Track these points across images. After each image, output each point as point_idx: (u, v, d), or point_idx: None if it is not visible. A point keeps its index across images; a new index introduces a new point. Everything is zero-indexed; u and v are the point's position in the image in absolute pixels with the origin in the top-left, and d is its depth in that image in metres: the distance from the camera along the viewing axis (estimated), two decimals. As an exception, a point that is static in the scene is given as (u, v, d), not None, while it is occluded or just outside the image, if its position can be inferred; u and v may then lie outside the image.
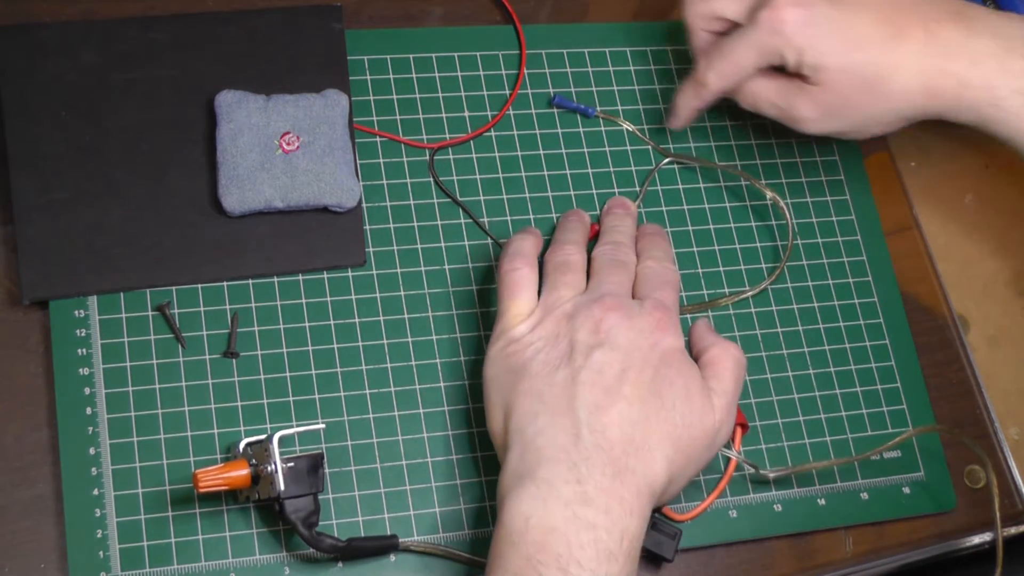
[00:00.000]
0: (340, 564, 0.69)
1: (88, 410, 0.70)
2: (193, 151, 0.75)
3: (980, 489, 0.80)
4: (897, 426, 0.80)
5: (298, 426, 0.70)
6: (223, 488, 0.65)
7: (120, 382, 0.70)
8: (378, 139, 0.79)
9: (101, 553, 0.67)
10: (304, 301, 0.75)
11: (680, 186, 0.83)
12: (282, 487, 0.65)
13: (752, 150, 0.85)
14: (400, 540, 0.69)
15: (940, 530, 0.79)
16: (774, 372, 0.79)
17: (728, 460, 0.73)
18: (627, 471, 0.64)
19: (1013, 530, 0.79)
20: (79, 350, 0.71)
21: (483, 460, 0.73)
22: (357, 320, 0.75)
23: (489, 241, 0.78)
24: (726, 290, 0.81)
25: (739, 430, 0.73)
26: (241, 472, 0.65)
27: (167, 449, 0.70)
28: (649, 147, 0.84)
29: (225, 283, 0.74)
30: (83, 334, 0.71)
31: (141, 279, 0.73)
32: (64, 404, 0.70)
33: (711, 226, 0.82)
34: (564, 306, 0.70)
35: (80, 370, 0.70)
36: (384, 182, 0.79)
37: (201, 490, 0.64)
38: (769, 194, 0.82)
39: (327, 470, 0.70)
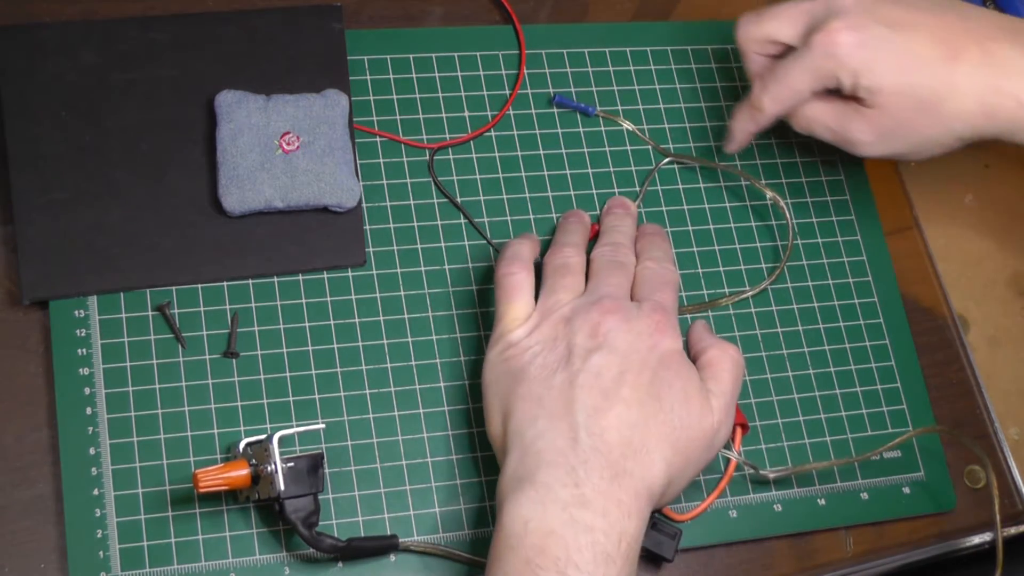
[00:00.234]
0: (340, 564, 0.69)
1: (88, 410, 0.70)
2: (193, 151, 0.75)
3: (980, 489, 0.80)
4: (897, 426, 0.80)
5: (298, 426, 0.70)
6: (223, 488, 0.65)
7: (120, 382, 0.70)
8: (378, 139, 0.79)
9: (101, 553, 0.67)
10: (304, 301, 0.75)
11: (680, 186, 0.83)
12: (282, 487, 0.65)
13: (752, 150, 0.85)
14: (400, 540, 0.69)
15: (940, 530, 0.79)
16: (774, 372, 0.79)
17: (728, 461, 0.73)
18: (625, 474, 0.64)
19: (1013, 530, 0.79)
20: (79, 350, 0.71)
21: (483, 460, 0.73)
22: (357, 320, 0.75)
23: (488, 235, 0.78)
24: (726, 290, 0.81)
25: (739, 430, 0.73)
26: (241, 472, 0.65)
27: (167, 449, 0.70)
28: (649, 147, 0.84)
29: (225, 283, 0.74)
30: (83, 334, 0.71)
31: (141, 279, 0.73)
32: (64, 404, 0.70)
33: (711, 226, 0.82)
34: (562, 309, 0.70)
35: (80, 370, 0.70)
36: (384, 182, 0.79)
37: (201, 490, 0.64)
38: (769, 194, 0.82)
39: (327, 470, 0.70)
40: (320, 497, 0.67)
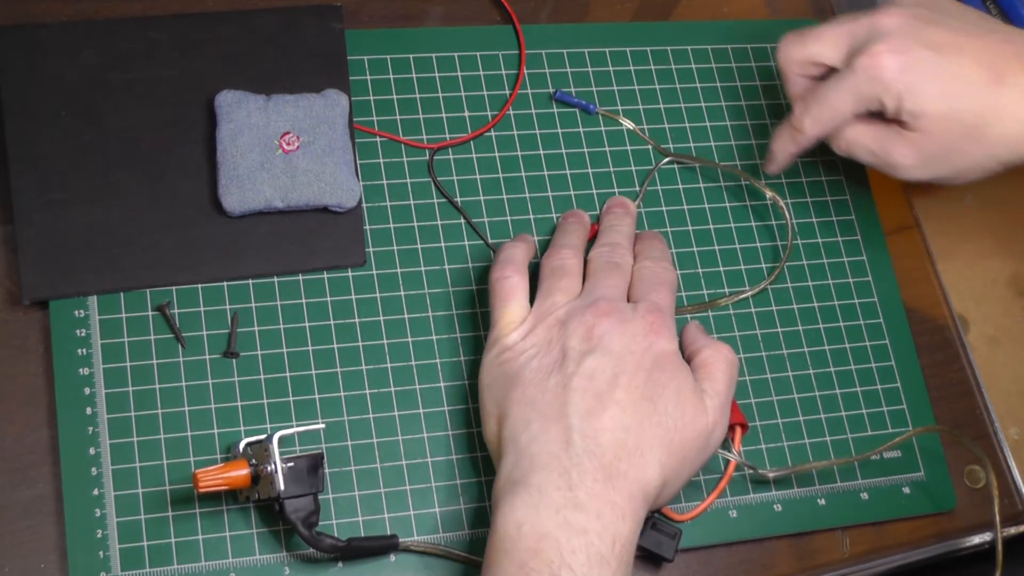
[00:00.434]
0: (340, 564, 0.69)
1: (88, 410, 0.70)
2: (193, 151, 0.75)
3: (980, 489, 0.80)
4: (897, 426, 0.80)
5: (298, 426, 0.70)
6: (223, 488, 0.65)
7: (120, 382, 0.70)
8: (378, 139, 0.79)
9: (101, 553, 0.67)
10: (304, 301, 0.75)
11: (680, 186, 0.83)
12: (282, 487, 0.65)
13: (752, 150, 0.85)
14: (400, 540, 0.69)
15: (940, 530, 0.79)
16: (774, 372, 0.79)
17: (727, 461, 0.73)
18: (619, 476, 0.64)
19: (1013, 530, 0.79)
20: (79, 350, 0.71)
21: (483, 460, 0.73)
22: (357, 320, 0.75)
23: (489, 238, 0.78)
24: (726, 290, 0.81)
25: (739, 430, 0.73)
26: (241, 472, 0.65)
27: (167, 449, 0.70)
28: (649, 147, 0.84)
29: (225, 283, 0.74)
30: (83, 334, 0.71)
31: (141, 279, 0.73)
32: (64, 404, 0.70)
33: (711, 226, 0.82)
34: (557, 312, 0.70)
35: (80, 370, 0.70)
36: (384, 182, 0.79)
37: (201, 490, 0.64)
38: (769, 193, 0.82)
39: (327, 470, 0.70)
40: (320, 497, 0.67)
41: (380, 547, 0.69)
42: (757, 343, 0.79)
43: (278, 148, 0.75)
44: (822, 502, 0.76)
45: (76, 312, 0.71)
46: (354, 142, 0.77)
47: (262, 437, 0.67)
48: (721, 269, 0.81)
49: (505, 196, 0.80)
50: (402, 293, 0.76)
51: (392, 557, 0.70)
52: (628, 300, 0.71)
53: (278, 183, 0.74)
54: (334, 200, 0.75)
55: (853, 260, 0.83)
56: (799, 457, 0.77)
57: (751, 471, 0.75)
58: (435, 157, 0.80)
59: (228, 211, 0.74)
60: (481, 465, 0.73)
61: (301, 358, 0.73)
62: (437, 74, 0.82)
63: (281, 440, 0.66)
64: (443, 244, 0.78)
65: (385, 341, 0.75)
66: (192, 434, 0.70)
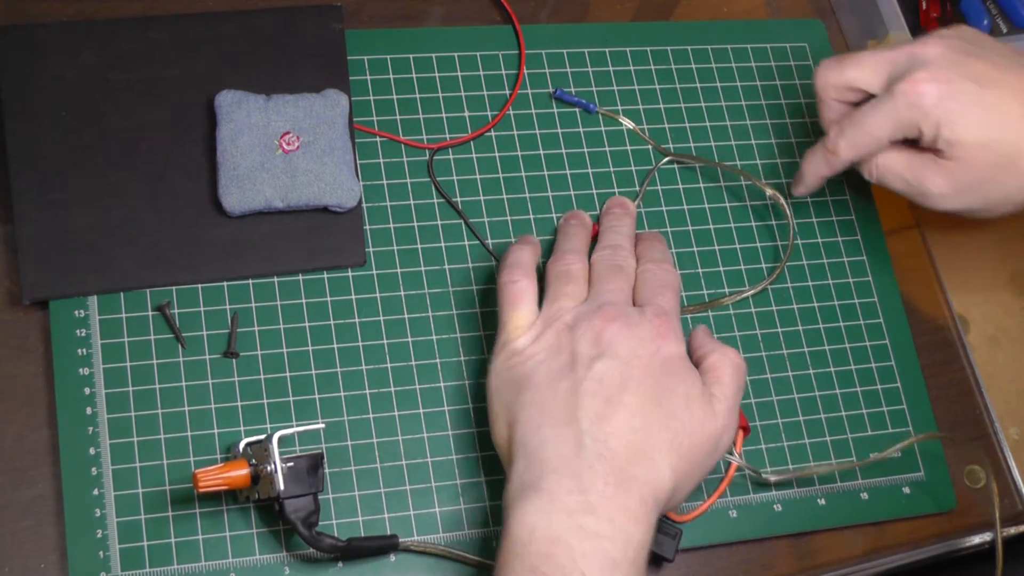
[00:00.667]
0: (340, 564, 0.69)
1: (88, 410, 0.70)
2: (193, 151, 0.75)
3: (980, 489, 0.80)
4: (897, 426, 0.80)
5: (298, 426, 0.70)
6: (223, 488, 0.65)
7: (120, 382, 0.70)
8: (378, 139, 0.79)
9: (101, 553, 0.67)
10: (304, 301, 0.75)
11: (680, 186, 0.83)
12: (282, 487, 0.65)
13: (752, 150, 0.85)
14: (400, 540, 0.69)
15: (940, 530, 0.79)
16: (774, 372, 0.79)
17: (728, 463, 0.73)
18: (631, 480, 0.64)
19: (1013, 530, 0.79)
20: (79, 350, 0.71)
21: (483, 460, 0.73)
22: (357, 320, 0.75)
23: (488, 242, 0.78)
24: (726, 290, 0.81)
25: (740, 432, 0.73)
26: (241, 472, 0.65)
27: (167, 449, 0.70)
28: (649, 147, 0.83)
29: (225, 283, 0.74)
30: (83, 334, 0.71)
31: (141, 279, 0.73)
32: (64, 404, 0.70)
33: (711, 226, 0.82)
34: (565, 316, 0.70)
35: (80, 370, 0.70)
36: (384, 182, 0.79)
37: (201, 490, 0.64)
38: (769, 191, 0.82)
39: (327, 470, 0.70)
40: (320, 497, 0.67)
41: (380, 547, 0.69)
42: (757, 343, 0.79)
43: (278, 148, 0.75)
44: (822, 502, 0.76)
45: (76, 312, 0.71)
46: (354, 142, 0.77)
47: (262, 437, 0.67)
48: (721, 269, 0.81)
49: (505, 196, 0.80)
50: (402, 293, 0.76)
51: (392, 557, 0.70)
52: (633, 303, 0.71)
53: (278, 183, 0.74)
54: (334, 200, 0.75)
55: (853, 260, 0.83)
56: (799, 457, 0.77)
57: (753, 475, 0.75)
58: (435, 157, 0.80)
59: (228, 211, 0.74)
60: (481, 465, 0.73)
61: (301, 358, 0.73)
62: (437, 74, 0.82)
63: (281, 440, 0.66)
64: (443, 244, 0.78)
65: (385, 341, 0.75)
66: (192, 434, 0.70)
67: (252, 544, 0.69)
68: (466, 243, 0.78)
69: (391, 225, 0.78)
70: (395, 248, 0.77)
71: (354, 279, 0.76)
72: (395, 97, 0.81)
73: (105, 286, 0.72)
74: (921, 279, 0.85)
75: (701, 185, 0.83)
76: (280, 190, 0.74)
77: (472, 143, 0.81)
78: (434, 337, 0.75)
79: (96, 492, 0.68)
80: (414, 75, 0.82)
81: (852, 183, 0.86)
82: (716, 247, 0.82)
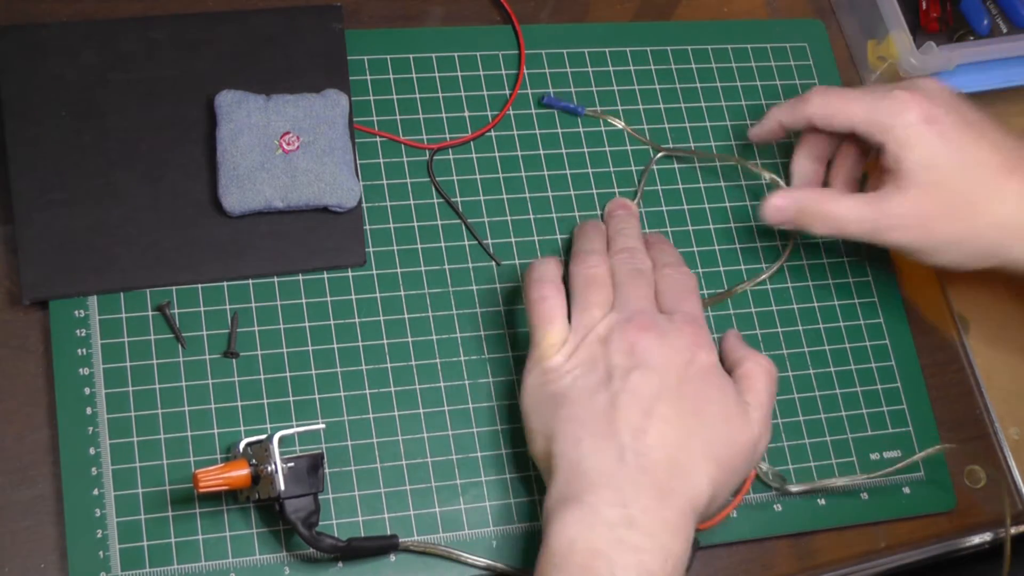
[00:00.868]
0: (340, 564, 0.69)
1: (88, 410, 0.70)
2: (193, 151, 0.75)
3: (980, 489, 0.80)
4: (897, 426, 0.80)
5: (298, 426, 0.70)
6: (223, 488, 0.65)
7: (120, 382, 0.70)
8: (378, 139, 0.79)
9: (101, 553, 0.67)
10: (304, 301, 0.75)
11: (680, 186, 0.83)
12: (282, 487, 0.65)
13: (752, 150, 0.85)
14: (400, 540, 0.69)
15: (940, 530, 0.79)
16: (774, 372, 0.79)
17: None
18: (671, 493, 0.64)
19: (1013, 530, 0.79)
20: (79, 350, 0.71)
21: (483, 460, 0.73)
22: (357, 320, 0.75)
23: (487, 243, 0.78)
24: (726, 288, 0.81)
25: None
26: (241, 472, 0.65)
27: (167, 449, 0.70)
28: (649, 147, 0.83)
29: (225, 283, 0.74)
30: (83, 334, 0.71)
31: (141, 279, 0.73)
32: (64, 404, 0.70)
33: (711, 226, 0.82)
34: (597, 328, 0.69)
35: (80, 370, 0.70)
36: (384, 182, 0.79)
37: (201, 490, 0.64)
38: (767, 176, 0.82)
39: (327, 470, 0.70)
40: (320, 497, 0.67)
41: (380, 547, 0.69)
42: (758, 343, 0.79)
43: (278, 148, 0.75)
44: (822, 502, 0.76)
45: (76, 312, 0.71)
46: (354, 142, 0.77)
47: (262, 437, 0.67)
48: (721, 269, 0.81)
49: (505, 196, 0.80)
50: (402, 293, 0.76)
51: (392, 557, 0.70)
52: (659, 310, 0.71)
53: (278, 183, 0.74)
54: (334, 200, 0.75)
55: (853, 260, 0.83)
56: (799, 457, 0.77)
57: (777, 488, 0.75)
58: (435, 157, 0.80)
59: (228, 211, 0.74)
60: (481, 465, 0.73)
61: (301, 358, 0.73)
62: (437, 74, 0.82)
63: (281, 440, 0.66)
64: (443, 244, 0.78)
65: (385, 341, 0.75)
66: (192, 434, 0.70)
67: (252, 544, 0.69)
68: (466, 243, 0.78)
69: (391, 225, 0.78)
70: (395, 248, 0.77)
71: (354, 279, 0.76)
72: (395, 97, 0.81)
73: (105, 286, 0.72)
74: (921, 279, 0.85)
75: (701, 185, 0.83)
76: (280, 190, 0.74)
77: (472, 143, 0.81)
78: (434, 337, 0.75)
79: (96, 492, 0.68)
80: (414, 75, 0.82)
81: (852, 183, 0.86)
82: (716, 247, 0.82)
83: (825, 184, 0.81)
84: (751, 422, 0.69)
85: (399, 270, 0.77)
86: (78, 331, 0.71)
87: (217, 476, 0.65)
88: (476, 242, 0.78)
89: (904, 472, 0.78)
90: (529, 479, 0.73)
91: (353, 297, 0.75)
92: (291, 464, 0.66)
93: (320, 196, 0.75)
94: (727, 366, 0.72)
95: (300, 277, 0.75)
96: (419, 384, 0.74)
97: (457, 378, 0.75)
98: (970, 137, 0.74)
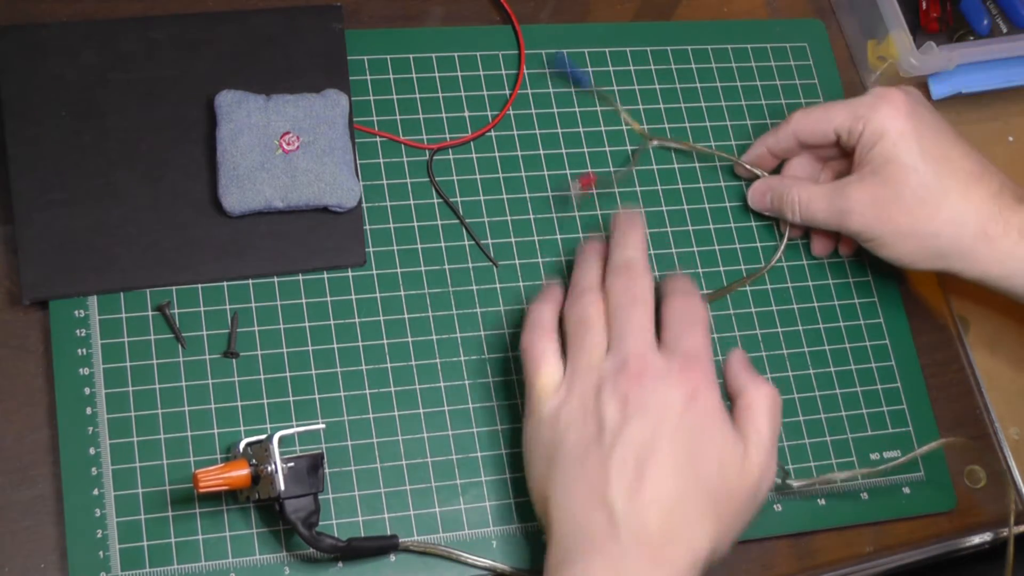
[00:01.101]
0: (340, 564, 0.69)
1: (88, 410, 0.70)
2: (193, 151, 0.75)
3: (980, 489, 0.80)
4: (897, 426, 0.80)
5: (298, 426, 0.70)
6: (223, 488, 0.65)
7: (120, 382, 0.70)
8: (378, 139, 0.79)
9: (101, 553, 0.67)
10: (304, 301, 0.75)
11: (680, 186, 0.83)
12: (283, 487, 0.65)
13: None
14: (400, 540, 0.69)
15: (940, 530, 0.79)
16: (774, 372, 0.79)
17: None
18: (667, 558, 0.63)
19: (1013, 530, 0.79)
20: (79, 350, 0.71)
21: (483, 460, 0.73)
22: (357, 320, 0.75)
23: (487, 243, 0.78)
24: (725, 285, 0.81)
25: None
26: (241, 472, 0.65)
27: (167, 449, 0.70)
28: (649, 147, 0.83)
29: (225, 283, 0.74)
30: (83, 334, 0.71)
31: (141, 279, 0.73)
32: (64, 404, 0.70)
33: (711, 226, 0.82)
34: (591, 377, 0.67)
35: (80, 370, 0.70)
36: (384, 182, 0.79)
37: (201, 490, 0.64)
38: (759, 172, 0.82)
39: (327, 470, 0.70)
40: (320, 497, 0.67)
41: (380, 547, 0.69)
42: (757, 343, 0.79)
43: (278, 148, 0.75)
44: (822, 502, 0.76)
45: (76, 312, 0.71)
46: (354, 142, 0.77)
47: (262, 437, 0.67)
48: (721, 269, 0.81)
49: (505, 196, 0.80)
50: (402, 293, 0.76)
51: (392, 557, 0.70)
52: (659, 338, 0.68)
53: (278, 183, 0.74)
54: (334, 200, 0.75)
55: (853, 260, 0.83)
56: (799, 456, 0.77)
57: (778, 482, 0.74)
58: (435, 157, 0.80)
59: (228, 211, 0.74)
60: (481, 465, 0.73)
61: (301, 358, 0.73)
62: (437, 74, 0.82)
63: (281, 440, 0.66)
64: (443, 244, 0.78)
65: (385, 341, 0.75)
66: (192, 434, 0.70)
67: (252, 544, 0.69)
68: (466, 243, 0.78)
69: (391, 225, 0.78)
70: (395, 248, 0.77)
71: (354, 279, 0.76)
72: (395, 97, 0.81)
73: (105, 286, 0.72)
74: (921, 279, 0.85)
75: (701, 185, 0.83)
76: (280, 190, 0.74)
77: (472, 143, 0.81)
78: (434, 337, 0.75)
79: (96, 492, 0.68)
80: (414, 75, 0.82)
81: (852, 183, 0.86)
82: (716, 247, 0.82)
83: None
84: (751, 463, 0.66)
85: (399, 270, 0.77)
86: (78, 331, 0.71)
87: (217, 476, 0.65)
88: (476, 242, 0.78)
89: (904, 472, 0.78)
90: (529, 479, 0.73)
91: (353, 297, 0.75)
92: (291, 464, 0.66)
93: (320, 196, 0.75)
94: (730, 393, 0.69)
95: (300, 277, 0.75)
96: (419, 384, 0.74)
97: (457, 378, 0.75)
98: (946, 139, 0.75)
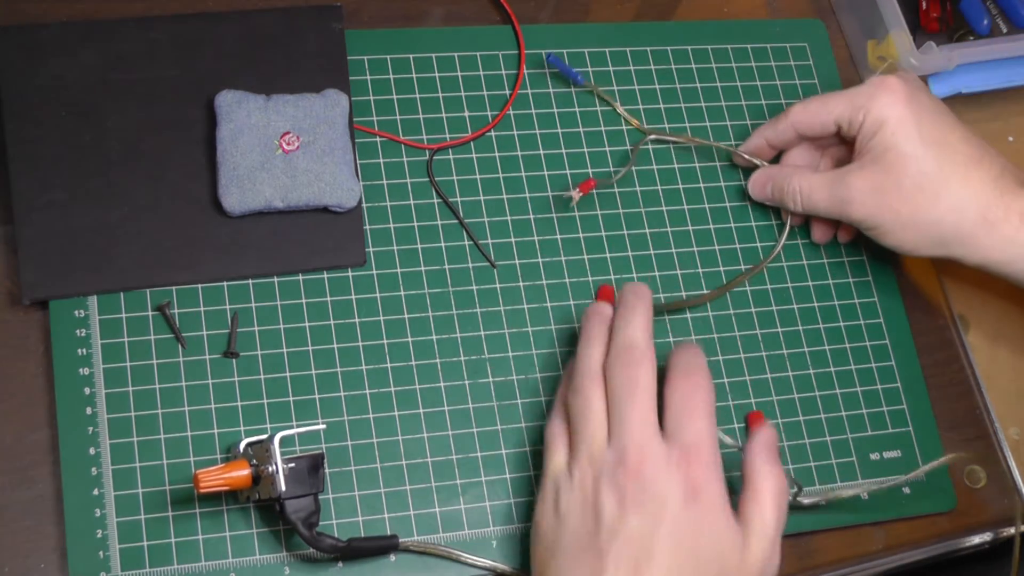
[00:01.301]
0: (340, 564, 0.69)
1: (88, 410, 0.70)
2: (193, 151, 0.75)
3: (980, 489, 0.80)
4: (897, 426, 0.80)
5: (299, 426, 0.70)
6: (224, 488, 0.65)
7: (120, 382, 0.70)
8: (378, 139, 0.79)
9: (101, 553, 0.67)
10: (304, 301, 0.75)
11: (680, 185, 0.83)
12: (283, 488, 0.65)
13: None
14: (400, 540, 0.69)
15: (940, 530, 0.79)
16: (774, 372, 0.79)
17: None
18: None
19: (1013, 530, 0.79)
20: (79, 350, 0.71)
21: (483, 460, 0.73)
22: (357, 320, 0.75)
23: (486, 243, 0.78)
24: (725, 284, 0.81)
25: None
26: (242, 472, 0.65)
27: (167, 449, 0.70)
28: (650, 148, 0.83)
29: (225, 283, 0.74)
30: (83, 334, 0.71)
31: (141, 279, 0.73)
32: (64, 404, 0.70)
33: (711, 226, 0.82)
34: (591, 467, 0.66)
35: (80, 370, 0.70)
36: (384, 182, 0.79)
37: (202, 490, 0.64)
38: (758, 161, 0.82)
39: (327, 470, 0.70)
40: (320, 497, 0.67)
41: (380, 547, 0.69)
42: (757, 343, 0.79)
43: (278, 148, 0.75)
44: (822, 502, 0.76)
45: (76, 312, 0.71)
46: (354, 142, 0.77)
47: (263, 437, 0.67)
48: (721, 269, 0.81)
49: (505, 196, 0.80)
50: (402, 293, 0.76)
51: (392, 557, 0.70)
52: (661, 423, 0.67)
53: (278, 183, 0.74)
54: (334, 200, 0.75)
55: (853, 259, 0.83)
56: (799, 457, 0.77)
57: (792, 495, 0.74)
58: (435, 157, 0.80)
59: (228, 211, 0.74)
60: (481, 465, 0.73)
61: (301, 358, 0.73)
62: (437, 74, 0.82)
63: (282, 440, 0.66)
64: (443, 244, 0.78)
65: (385, 341, 0.75)
66: (192, 434, 0.70)
67: (252, 544, 0.69)
68: (466, 243, 0.78)
69: (391, 225, 0.78)
70: (395, 248, 0.77)
71: (354, 279, 0.76)
72: (395, 97, 0.81)
73: (105, 286, 0.72)
74: (921, 279, 0.85)
75: (701, 185, 0.83)
76: (280, 190, 0.74)
77: (472, 143, 0.81)
78: (434, 337, 0.75)
79: (96, 492, 0.68)
80: (414, 75, 0.82)
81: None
82: (716, 247, 0.82)
83: None
84: (752, 559, 0.65)
85: (399, 270, 0.77)
86: (78, 331, 0.71)
87: (218, 476, 0.65)
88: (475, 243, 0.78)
89: (904, 472, 0.78)
90: (529, 479, 0.73)
91: (353, 297, 0.75)
92: (292, 464, 0.66)
93: (320, 196, 0.75)
94: (743, 473, 0.68)
95: (300, 277, 0.75)
96: (419, 384, 0.74)
97: (457, 378, 0.75)
98: (945, 123, 0.75)
